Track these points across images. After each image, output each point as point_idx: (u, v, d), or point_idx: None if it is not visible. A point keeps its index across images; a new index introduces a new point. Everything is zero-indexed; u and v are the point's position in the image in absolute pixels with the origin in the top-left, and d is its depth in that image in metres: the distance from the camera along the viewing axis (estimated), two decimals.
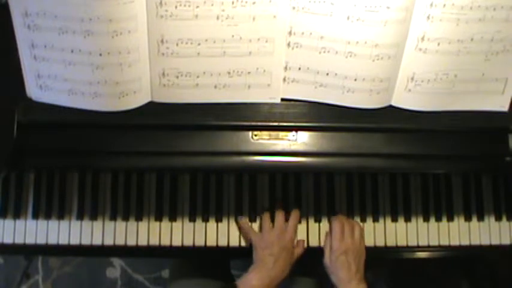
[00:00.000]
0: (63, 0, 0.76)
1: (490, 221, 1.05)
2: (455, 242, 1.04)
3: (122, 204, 1.02)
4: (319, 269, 0.99)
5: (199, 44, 0.82)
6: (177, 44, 0.81)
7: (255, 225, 1.03)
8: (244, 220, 1.01)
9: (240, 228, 1.02)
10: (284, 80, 0.86)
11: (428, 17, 0.79)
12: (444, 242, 1.04)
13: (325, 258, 0.97)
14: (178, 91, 0.86)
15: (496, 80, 0.87)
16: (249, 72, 0.85)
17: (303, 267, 1.00)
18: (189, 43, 0.81)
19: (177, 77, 0.84)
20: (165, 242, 1.02)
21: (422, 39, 0.81)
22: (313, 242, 1.02)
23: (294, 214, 1.00)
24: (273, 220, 1.00)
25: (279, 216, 0.99)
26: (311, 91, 0.87)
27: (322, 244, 1.01)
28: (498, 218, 1.05)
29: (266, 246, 0.95)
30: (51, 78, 0.84)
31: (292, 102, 0.88)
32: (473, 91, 0.87)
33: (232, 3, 0.78)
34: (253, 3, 0.78)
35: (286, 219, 1.00)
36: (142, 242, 1.02)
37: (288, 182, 1.04)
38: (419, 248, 1.04)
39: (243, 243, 1.02)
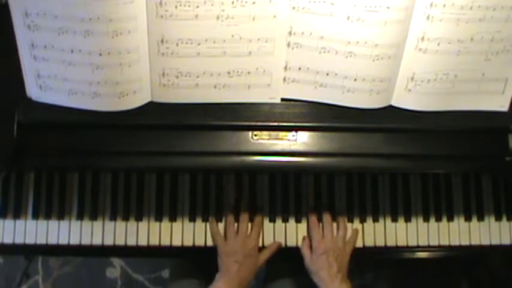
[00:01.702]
0: (63, 0, 0.76)
1: (490, 221, 1.05)
2: (455, 242, 1.04)
3: (122, 204, 1.02)
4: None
5: (199, 44, 0.82)
6: (177, 44, 0.81)
7: None
8: (213, 223, 1.01)
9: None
10: (284, 80, 0.86)
11: (428, 17, 0.79)
12: (444, 242, 1.04)
13: (306, 259, 0.98)
14: (178, 91, 0.86)
15: (496, 80, 0.87)
16: (249, 72, 0.85)
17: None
18: (189, 43, 0.81)
19: (177, 77, 0.84)
20: (165, 242, 1.02)
21: (422, 39, 0.81)
22: None
23: (257, 220, 1.01)
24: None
25: (243, 222, 1.00)
26: (311, 91, 0.87)
27: None
28: (498, 218, 1.05)
29: (230, 253, 0.97)
30: (51, 78, 0.84)
31: (292, 102, 0.88)
32: (473, 91, 0.87)
33: (232, 3, 0.78)
34: (253, 3, 0.78)
35: (252, 220, 1.01)
36: (142, 242, 1.02)
37: (288, 182, 1.04)
38: (419, 248, 1.04)
39: None
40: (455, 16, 0.79)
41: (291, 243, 1.02)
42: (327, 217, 1.00)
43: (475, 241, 1.04)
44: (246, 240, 0.98)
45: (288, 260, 1.01)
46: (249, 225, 1.01)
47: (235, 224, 1.01)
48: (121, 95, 0.84)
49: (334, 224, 1.00)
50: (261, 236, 1.02)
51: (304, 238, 1.01)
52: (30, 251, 1.12)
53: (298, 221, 1.03)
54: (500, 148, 0.91)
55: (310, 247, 0.99)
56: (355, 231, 1.01)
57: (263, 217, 1.02)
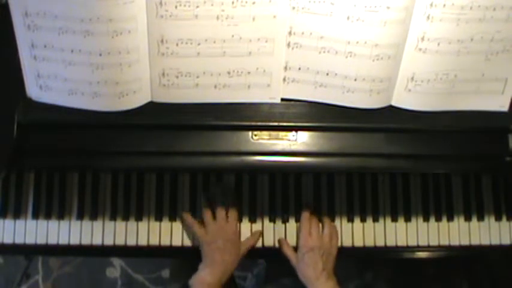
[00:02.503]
0: (63, 0, 0.76)
1: (490, 221, 1.05)
2: (455, 242, 1.04)
3: (122, 204, 1.02)
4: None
5: (199, 44, 0.82)
6: (177, 44, 0.81)
7: (255, 226, 1.03)
8: (187, 214, 1.01)
9: (182, 223, 1.01)
10: (284, 80, 0.86)
11: (428, 17, 0.79)
12: (444, 242, 1.04)
13: (292, 259, 0.98)
14: (178, 91, 0.86)
15: (496, 80, 0.87)
16: (249, 72, 0.85)
17: None
18: (189, 43, 0.81)
19: (177, 77, 0.84)
20: (165, 242, 1.02)
21: (422, 39, 0.81)
22: None
23: (232, 206, 1.00)
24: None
25: (220, 209, 0.99)
26: (311, 91, 0.87)
27: None
28: (498, 218, 1.05)
29: (211, 240, 0.96)
30: (51, 78, 0.84)
31: (292, 102, 0.88)
32: (473, 91, 0.87)
33: (232, 3, 0.78)
34: (253, 3, 0.78)
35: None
36: (142, 242, 1.02)
37: (288, 182, 1.04)
38: (419, 248, 1.04)
39: None
40: (455, 16, 0.79)
41: (291, 243, 1.02)
42: (312, 216, 1.00)
43: (475, 241, 1.04)
44: (225, 225, 0.98)
45: (287, 259, 1.00)
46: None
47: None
48: (121, 95, 0.84)
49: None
50: (260, 236, 1.03)
51: (280, 240, 1.02)
52: (30, 251, 1.12)
53: (298, 220, 1.03)
54: (500, 148, 0.91)
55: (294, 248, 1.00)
56: (336, 233, 1.01)
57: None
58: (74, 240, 1.01)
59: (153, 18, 0.79)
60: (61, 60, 0.81)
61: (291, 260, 0.99)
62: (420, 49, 0.82)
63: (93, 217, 1.02)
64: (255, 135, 0.90)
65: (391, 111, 0.88)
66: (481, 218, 1.04)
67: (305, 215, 1.00)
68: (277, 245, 1.02)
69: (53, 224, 1.02)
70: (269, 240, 1.02)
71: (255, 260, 1.60)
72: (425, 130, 0.90)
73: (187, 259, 1.19)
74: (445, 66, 0.84)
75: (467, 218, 1.04)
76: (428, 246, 1.04)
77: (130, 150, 0.89)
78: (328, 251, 0.97)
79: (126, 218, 1.02)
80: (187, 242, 1.02)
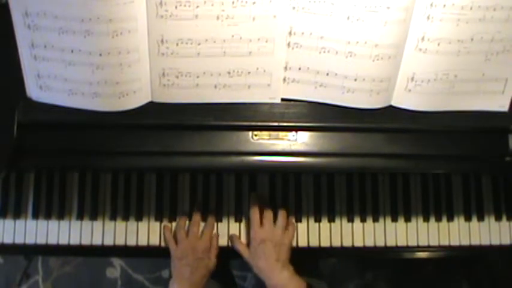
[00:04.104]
0: (63, 0, 0.76)
1: (490, 221, 1.05)
2: (455, 242, 1.04)
3: (122, 204, 1.03)
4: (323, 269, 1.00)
5: (199, 44, 0.82)
6: (177, 44, 0.81)
7: None
8: (167, 227, 1.01)
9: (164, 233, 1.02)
10: (284, 80, 0.86)
11: (428, 17, 0.79)
12: (444, 242, 1.04)
13: (244, 254, 0.98)
14: (178, 91, 0.86)
15: (496, 80, 0.87)
16: (249, 72, 0.85)
17: (309, 269, 1.00)
18: (189, 43, 0.81)
19: (177, 77, 0.84)
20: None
21: (422, 39, 0.81)
22: (313, 242, 1.02)
23: (209, 222, 1.01)
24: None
25: (194, 225, 1.00)
26: (311, 91, 0.87)
27: (322, 244, 1.02)
28: (498, 218, 1.05)
29: (182, 257, 0.97)
30: (51, 78, 0.84)
31: (292, 102, 0.88)
32: (473, 91, 0.87)
33: (232, 3, 0.78)
34: (253, 3, 0.78)
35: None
36: (142, 242, 1.02)
37: (288, 182, 1.04)
38: (419, 248, 1.04)
39: None
40: (455, 16, 0.79)
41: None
42: (266, 208, 1.00)
43: (475, 241, 1.04)
44: (197, 243, 0.98)
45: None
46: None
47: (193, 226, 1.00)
48: (121, 95, 0.84)
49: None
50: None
51: (232, 236, 1.02)
52: (30, 251, 1.12)
53: (298, 220, 1.03)
54: (500, 148, 0.91)
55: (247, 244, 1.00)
56: (293, 224, 1.01)
57: (216, 219, 1.02)
58: (74, 240, 1.01)
59: (153, 18, 0.79)
60: (61, 60, 0.81)
61: (243, 255, 0.99)
62: (420, 49, 0.82)
63: (93, 217, 1.02)
64: (255, 135, 0.90)
65: (391, 111, 0.88)
66: (481, 218, 1.04)
67: (253, 207, 1.00)
68: None
69: (53, 224, 1.02)
70: None
71: None
72: (425, 130, 0.90)
73: None
74: (445, 66, 0.84)
75: (467, 218, 1.04)
76: (428, 246, 1.04)
77: (130, 150, 0.89)
78: (281, 241, 0.97)
79: (126, 218, 1.02)
80: None
